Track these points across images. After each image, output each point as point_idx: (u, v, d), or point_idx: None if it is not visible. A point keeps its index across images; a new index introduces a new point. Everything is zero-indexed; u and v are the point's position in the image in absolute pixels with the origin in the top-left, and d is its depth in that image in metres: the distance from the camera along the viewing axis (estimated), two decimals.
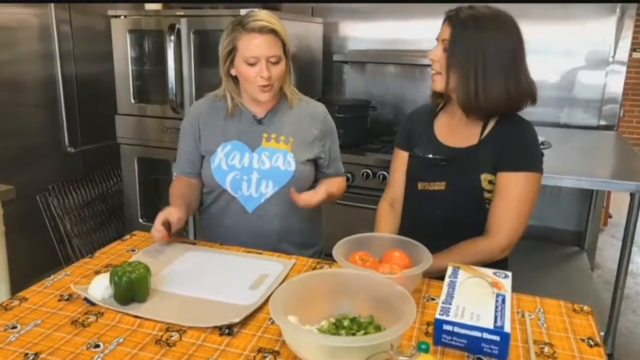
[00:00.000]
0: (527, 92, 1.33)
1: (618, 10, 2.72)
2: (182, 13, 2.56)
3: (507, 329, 0.92)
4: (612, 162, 2.45)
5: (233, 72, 1.49)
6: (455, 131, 1.43)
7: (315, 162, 1.60)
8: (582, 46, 2.79)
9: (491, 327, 0.92)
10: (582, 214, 2.99)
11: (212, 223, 1.61)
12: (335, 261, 1.17)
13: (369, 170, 2.50)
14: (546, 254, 2.89)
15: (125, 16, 2.68)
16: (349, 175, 2.50)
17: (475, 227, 1.38)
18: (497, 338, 0.92)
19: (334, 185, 1.57)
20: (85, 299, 1.12)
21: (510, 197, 1.31)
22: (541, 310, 1.10)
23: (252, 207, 1.53)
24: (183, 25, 2.56)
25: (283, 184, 1.52)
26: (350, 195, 2.48)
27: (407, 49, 2.99)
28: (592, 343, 0.98)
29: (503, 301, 1.01)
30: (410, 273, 1.09)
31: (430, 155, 1.43)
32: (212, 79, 2.68)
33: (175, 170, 1.65)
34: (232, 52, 1.45)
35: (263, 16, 1.43)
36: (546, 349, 0.96)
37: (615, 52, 2.77)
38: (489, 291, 1.04)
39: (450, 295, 1.03)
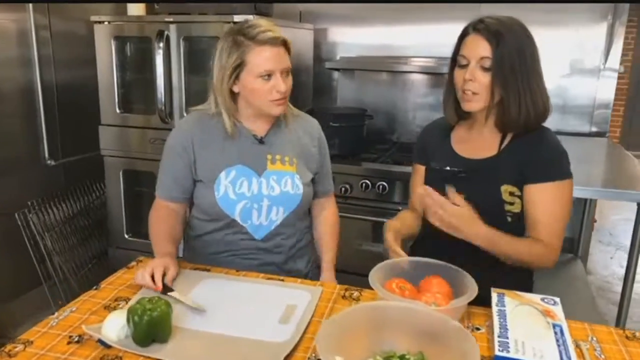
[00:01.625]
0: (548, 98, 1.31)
1: (609, 17, 2.73)
2: (171, 19, 2.43)
3: None
4: (612, 170, 2.44)
5: (236, 88, 1.36)
6: (473, 142, 1.38)
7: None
8: (574, 53, 2.78)
9: None
10: (574, 220, 2.98)
11: (210, 249, 1.47)
12: (361, 286, 1.16)
13: (367, 181, 2.43)
14: None
15: (109, 22, 2.54)
16: (347, 186, 2.42)
17: None
18: None
19: (333, 243, 1.57)
20: (99, 340, 1.01)
21: (555, 207, 1.27)
22: (594, 338, 1.04)
23: (261, 235, 1.44)
24: (172, 31, 2.44)
25: (293, 208, 1.44)
26: (349, 206, 2.41)
27: (396, 55, 2.94)
28: None
29: (562, 332, 0.95)
30: (459, 304, 1.02)
31: (448, 168, 1.37)
32: (202, 88, 2.57)
33: (157, 193, 1.47)
34: (238, 67, 1.32)
35: (268, 26, 1.33)
36: None
37: (606, 59, 2.78)
38: (543, 321, 0.98)
39: (504, 328, 0.96)
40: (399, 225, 1.38)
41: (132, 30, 2.55)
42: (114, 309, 1.14)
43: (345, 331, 0.93)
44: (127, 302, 1.17)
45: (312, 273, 1.57)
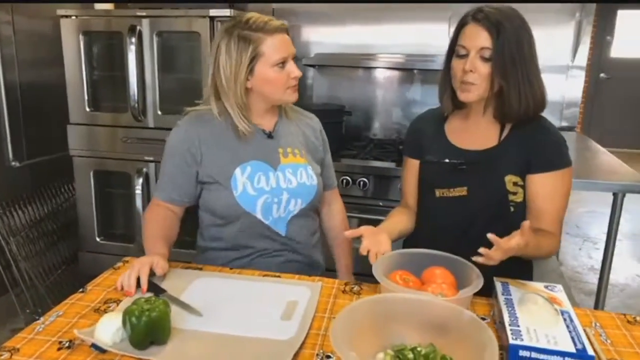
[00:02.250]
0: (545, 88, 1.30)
1: (577, 15, 2.80)
2: (143, 13, 2.35)
3: (590, 351, 0.86)
4: (586, 162, 2.50)
5: (249, 84, 1.32)
6: (471, 133, 1.36)
7: None
8: (544, 51, 2.82)
9: (573, 350, 0.86)
10: None
11: (231, 257, 1.40)
12: (361, 281, 1.15)
13: (348, 178, 2.41)
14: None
15: (76, 16, 2.44)
16: None
17: (498, 231, 1.32)
18: None
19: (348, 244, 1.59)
20: (93, 345, 0.95)
21: (557, 196, 1.28)
22: (597, 324, 1.05)
23: (283, 228, 1.40)
24: (145, 26, 2.36)
25: (310, 199, 1.42)
26: None
27: (369, 52, 2.94)
28: None
29: (570, 319, 0.95)
30: (468, 293, 1.01)
31: (447, 160, 1.36)
32: (177, 85, 2.50)
33: (156, 194, 1.41)
34: (252, 61, 1.29)
35: (266, 16, 1.32)
36: None
37: (574, 57, 2.86)
38: (551, 308, 0.97)
39: (513, 316, 0.96)
40: (390, 228, 1.35)
41: (101, 25, 2.45)
42: (104, 311, 1.08)
43: (354, 326, 0.90)
44: (117, 304, 1.11)
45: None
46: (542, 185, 1.27)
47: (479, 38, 1.22)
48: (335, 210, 1.60)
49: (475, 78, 1.24)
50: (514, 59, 1.21)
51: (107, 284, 1.21)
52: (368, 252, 1.17)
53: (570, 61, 2.86)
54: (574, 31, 2.81)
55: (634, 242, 3.90)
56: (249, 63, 1.28)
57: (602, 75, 6.80)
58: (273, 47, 1.28)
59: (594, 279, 3.30)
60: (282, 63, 1.30)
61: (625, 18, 6.63)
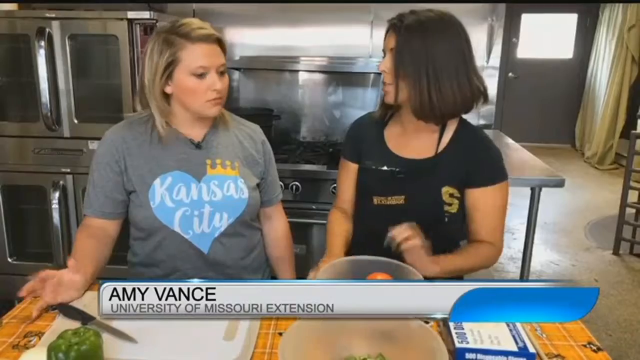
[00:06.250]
0: (480, 92, 1.32)
1: (489, 18, 2.95)
2: (53, 15, 2.19)
3: (531, 348, 0.89)
4: (505, 159, 2.62)
5: (169, 89, 1.27)
6: (409, 142, 1.38)
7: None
8: None
9: (515, 349, 0.88)
10: None
11: (156, 274, 1.34)
12: None
13: (281, 183, 2.36)
14: None
15: None
16: None
17: (433, 241, 1.35)
18: None
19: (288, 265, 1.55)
20: None
21: (496, 209, 1.32)
22: None
23: (206, 246, 1.32)
24: (55, 29, 2.19)
25: (238, 214, 1.35)
26: None
27: (293, 55, 2.93)
28: (595, 348, 0.99)
29: None
30: None
31: (385, 168, 1.37)
32: (94, 91, 2.35)
33: (86, 210, 1.33)
34: (170, 65, 1.24)
35: (200, 24, 1.27)
36: None
37: (489, 57, 3.01)
38: None
39: None
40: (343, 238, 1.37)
41: (4, 27, 2.25)
42: (25, 347, 0.98)
43: (303, 343, 0.88)
44: (40, 338, 1.01)
45: None
46: (483, 200, 1.31)
47: (390, 41, 1.27)
48: (276, 227, 1.53)
49: (389, 79, 1.28)
50: (418, 60, 1.23)
51: (24, 315, 1.10)
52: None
53: (485, 62, 3.00)
54: (487, 33, 2.96)
55: (545, 231, 4.18)
56: (165, 67, 1.24)
57: (510, 74, 7.24)
58: (193, 55, 1.23)
59: (514, 267, 3.50)
60: (202, 73, 1.25)
61: (529, 21, 7.11)
